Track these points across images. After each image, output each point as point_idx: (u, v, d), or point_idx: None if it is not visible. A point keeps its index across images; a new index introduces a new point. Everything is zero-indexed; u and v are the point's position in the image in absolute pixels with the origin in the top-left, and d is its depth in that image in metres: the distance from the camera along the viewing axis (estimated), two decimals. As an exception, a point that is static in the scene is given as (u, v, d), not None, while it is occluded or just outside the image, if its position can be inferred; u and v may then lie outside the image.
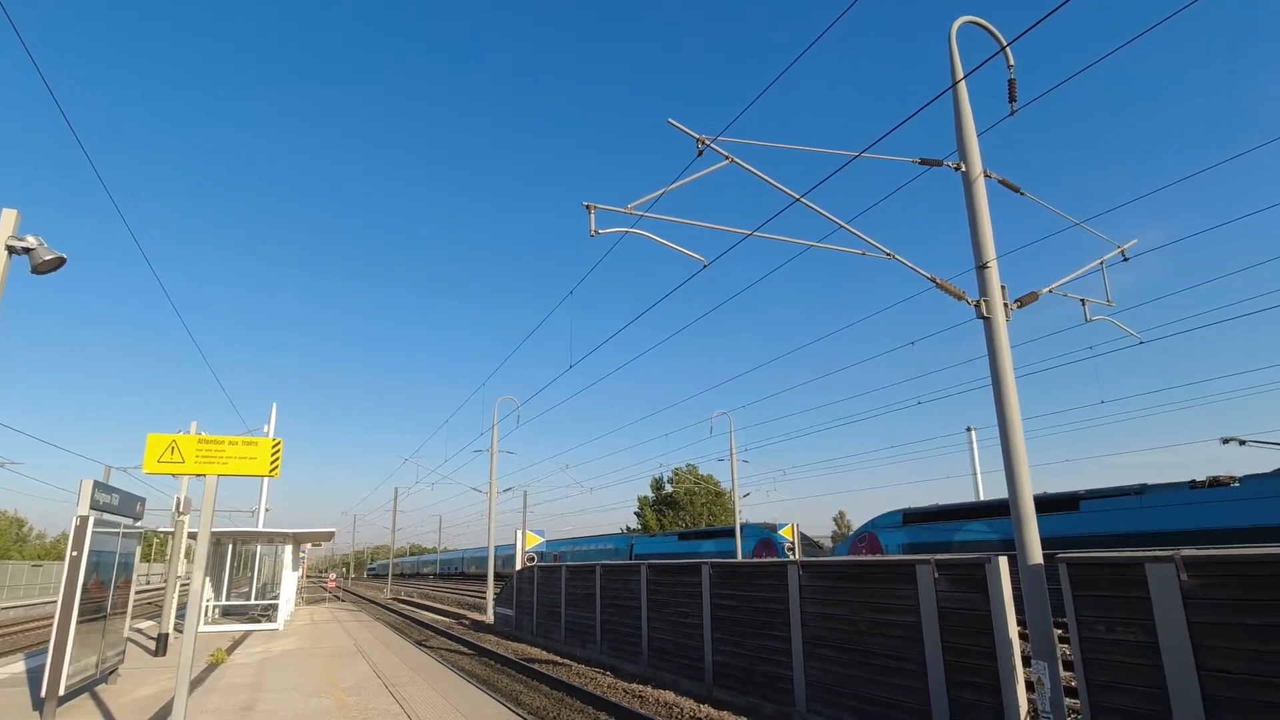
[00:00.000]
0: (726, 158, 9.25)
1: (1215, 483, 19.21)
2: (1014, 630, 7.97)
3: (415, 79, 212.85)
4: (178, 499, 17.26)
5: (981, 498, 37.68)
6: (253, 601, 23.21)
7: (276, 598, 22.71)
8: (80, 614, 9.59)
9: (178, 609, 17.39)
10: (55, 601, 10.51)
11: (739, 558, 34.14)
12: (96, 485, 10.22)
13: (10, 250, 7.36)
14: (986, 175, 8.61)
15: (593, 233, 9.75)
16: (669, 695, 13.11)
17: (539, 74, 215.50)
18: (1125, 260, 10.13)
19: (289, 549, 24.86)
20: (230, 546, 22.32)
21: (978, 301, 8.11)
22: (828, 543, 44.41)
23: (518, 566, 27.57)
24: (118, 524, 11.21)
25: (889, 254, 9.07)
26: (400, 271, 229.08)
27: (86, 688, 10.71)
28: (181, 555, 18.25)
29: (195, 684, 11.98)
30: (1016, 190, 9.58)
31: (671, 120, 9.14)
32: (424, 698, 10.92)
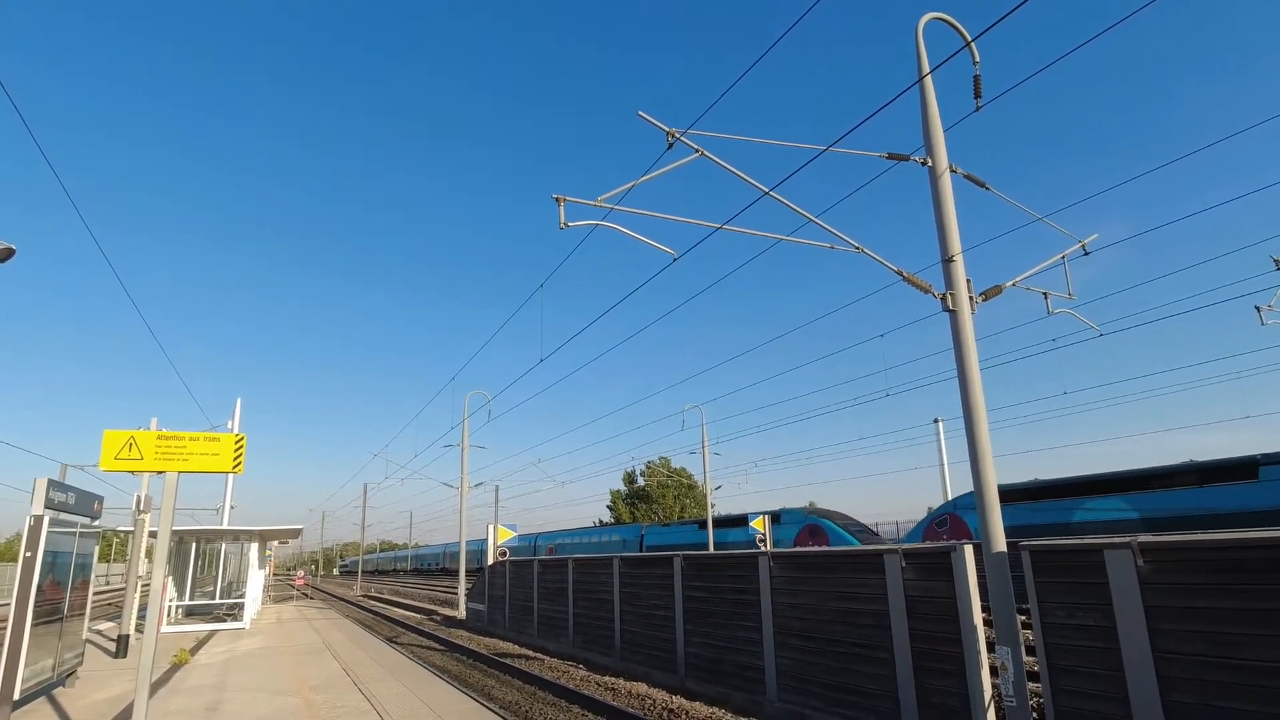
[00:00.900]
0: (697, 151, 9.24)
1: None
2: (979, 617, 8.13)
3: (381, 68, 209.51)
4: (138, 497, 16.85)
5: (949, 489, 38.28)
6: (217, 601, 22.78)
7: (242, 596, 22.31)
8: (35, 616, 9.32)
9: (139, 609, 16.99)
10: (8, 604, 10.19)
11: (772, 546, 33.44)
12: (51, 484, 9.92)
13: (-45, 241, 7.07)
14: (952, 170, 8.72)
15: (562, 225, 9.68)
16: (642, 687, 13.15)
17: (508, 65, 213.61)
18: (1086, 254, 10.33)
19: (255, 547, 24.43)
20: (194, 545, 21.86)
21: (944, 295, 8.22)
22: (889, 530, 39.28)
23: (489, 561, 27.43)
24: (75, 523, 10.90)
25: (857, 247, 9.15)
26: (367, 263, 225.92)
27: (43, 691, 10.42)
28: (142, 554, 17.82)
29: (158, 685, 11.72)
30: (981, 185, 9.72)
31: (642, 113, 9.10)
32: (394, 694, 10.82)
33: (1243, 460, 19.38)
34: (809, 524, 34.74)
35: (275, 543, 36.96)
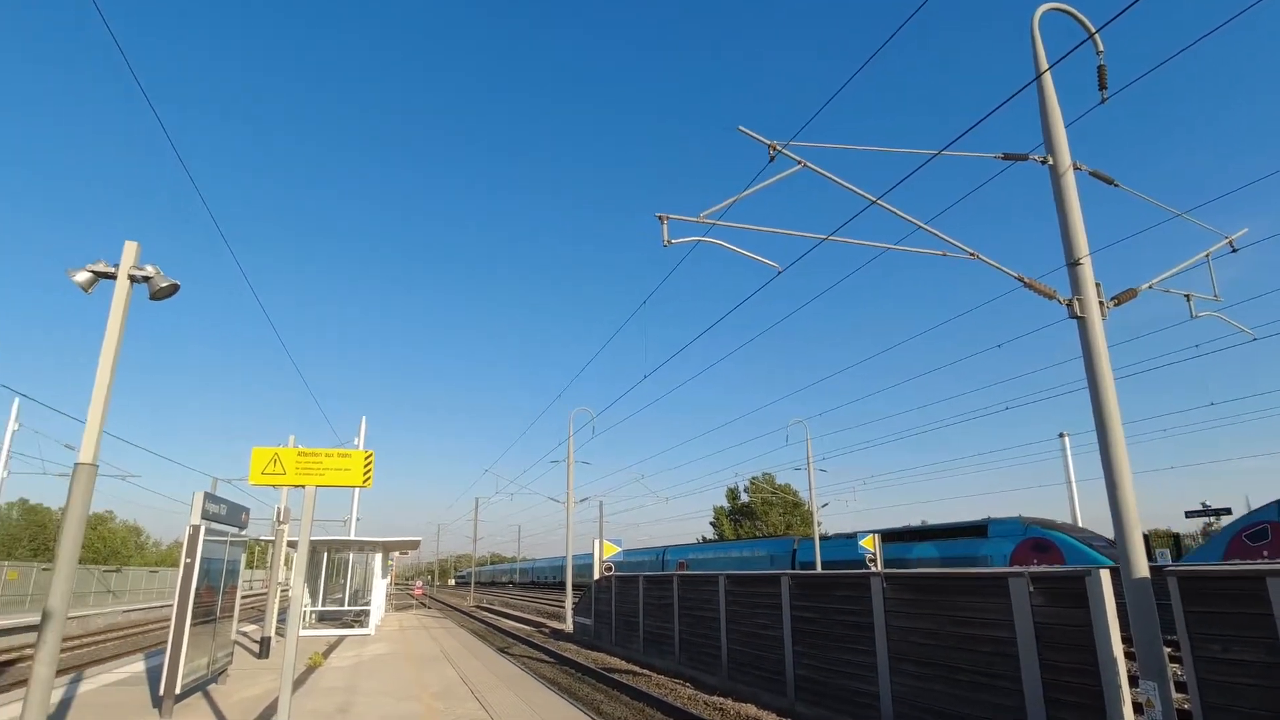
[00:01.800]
0: (799, 163, 9.16)
1: None
2: (1119, 648, 7.51)
3: (485, 94, 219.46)
4: (277, 509, 18.25)
5: (1078, 508, 35.56)
6: (346, 608, 24.23)
7: (368, 604, 23.65)
8: (193, 617, 10.26)
9: (279, 614, 18.33)
10: (170, 605, 11.27)
11: (929, 564, 31.73)
12: (207, 496, 10.93)
13: (132, 279, 7.99)
14: (1076, 168, 8.23)
15: (666, 243, 9.81)
16: (751, 708, 12.94)
17: (609, 85, 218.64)
18: (1234, 251, 9.45)
19: (379, 557, 25.87)
20: (325, 555, 23.40)
21: (1070, 300, 7.74)
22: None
23: (595, 576, 27.81)
24: (225, 533, 11.95)
25: (972, 254, 8.78)
26: (478, 286, 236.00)
27: (199, 687, 11.43)
28: (281, 562, 19.25)
29: (296, 685, 12.59)
30: (1110, 182, 9.09)
31: (742, 128, 9.13)
32: (507, 704, 11.15)
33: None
34: (1031, 538, 28.93)
35: (396, 553, 38.97)
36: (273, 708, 10.24)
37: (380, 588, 27.23)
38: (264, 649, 16.66)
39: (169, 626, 10.30)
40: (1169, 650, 8.03)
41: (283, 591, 19.16)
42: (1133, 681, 7.38)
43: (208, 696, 11.45)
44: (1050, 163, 8.19)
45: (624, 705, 13.86)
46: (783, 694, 13.19)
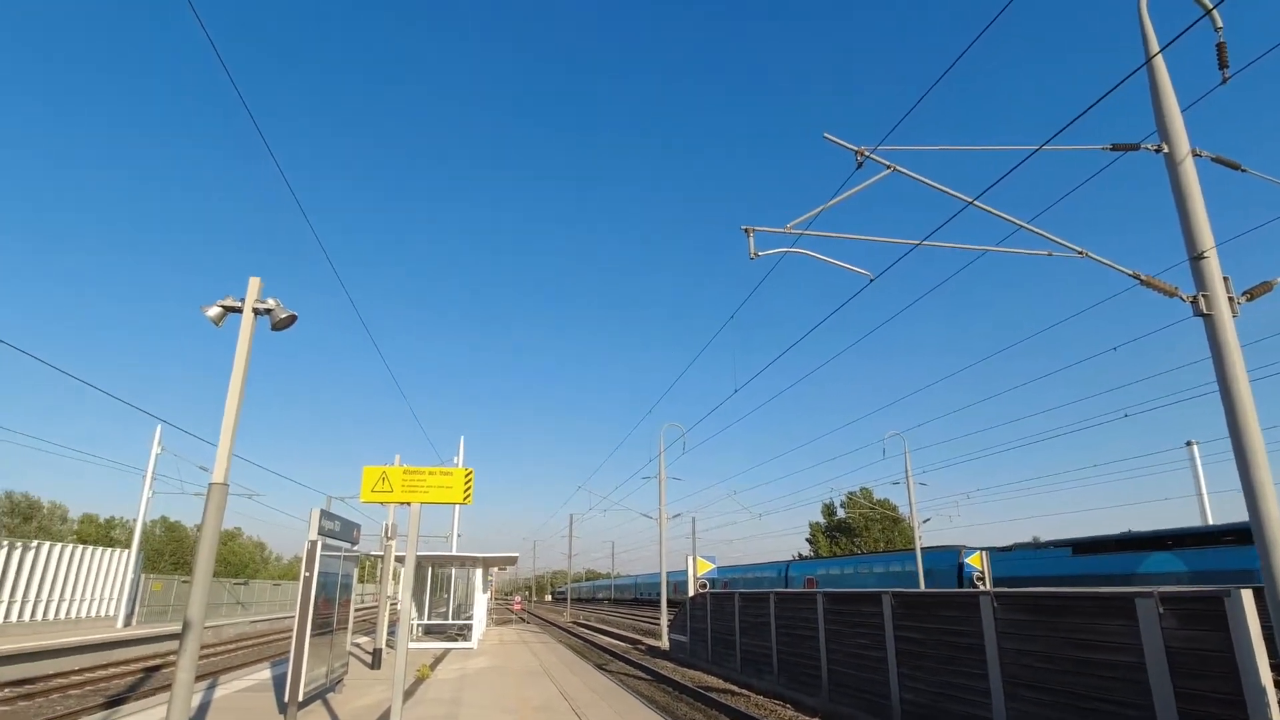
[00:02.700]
0: (888, 167, 8.96)
1: None
2: (1267, 675, 6.83)
3: (574, 124, 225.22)
4: (385, 525, 19.16)
5: (1210, 521, 32.57)
6: (450, 621, 25.08)
7: (470, 619, 24.40)
8: (312, 629, 10.90)
9: (389, 626, 19.18)
10: (292, 616, 12.01)
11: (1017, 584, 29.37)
12: (323, 514, 11.62)
13: (255, 312, 8.66)
14: (1195, 154, 7.66)
15: (752, 255, 9.78)
16: (854, 732, 12.49)
17: (692, 103, 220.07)
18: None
19: (479, 572, 26.68)
20: (429, 570, 24.35)
21: (1194, 297, 7.18)
22: None
23: (690, 592, 27.65)
24: (340, 548, 12.66)
25: (1081, 252, 8.31)
26: (570, 303, 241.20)
27: (319, 695, 12.10)
28: (390, 577, 20.16)
29: (405, 696, 13.13)
30: (1235, 167, 8.40)
31: (828, 135, 9.02)
32: (607, 720, 11.23)
33: None
34: None
35: (495, 569, 40.04)
36: (386, 716, 10.72)
37: (481, 602, 28.05)
38: (376, 660, 17.46)
39: (291, 637, 10.97)
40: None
41: (392, 605, 20.04)
42: (1287, 715, 6.68)
43: (326, 705, 12.10)
44: (1165, 151, 7.66)
45: (723, 725, 13.67)
46: (887, 718, 12.67)
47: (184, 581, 36.21)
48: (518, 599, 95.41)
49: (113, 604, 30.06)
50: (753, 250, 9.75)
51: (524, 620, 56.59)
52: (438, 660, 19.22)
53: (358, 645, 22.98)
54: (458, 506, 30.40)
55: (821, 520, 75.80)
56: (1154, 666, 7.90)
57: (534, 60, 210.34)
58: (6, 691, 16.57)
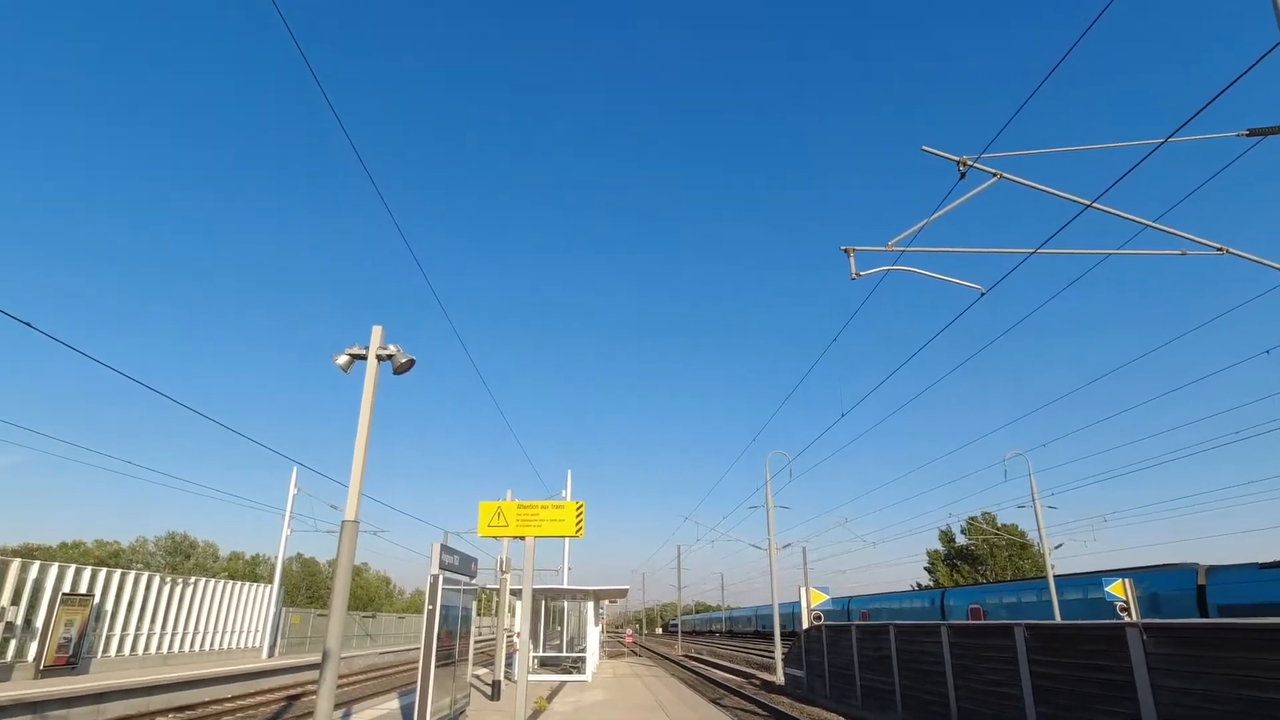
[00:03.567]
0: (994, 175, 8.71)
1: None
2: None
3: (663, 140, 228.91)
4: (499, 559, 19.80)
5: None
6: (564, 654, 25.44)
7: (584, 651, 24.66)
8: (436, 660, 11.40)
9: (506, 658, 19.69)
10: (416, 649, 12.59)
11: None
12: (443, 548, 12.20)
13: (379, 358, 9.35)
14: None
15: (854, 275, 9.67)
16: (991, 775, 11.71)
17: (781, 125, 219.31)
18: None
19: (591, 605, 26.98)
20: (543, 603, 24.86)
21: (1351, 295, 6.52)
22: None
23: (804, 625, 26.85)
24: (459, 581, 13.21)
25: (1220, 249, 7.75)
26: (667, 336, 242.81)
27: (444, 724, 12.57)
28: (506, 609, 20.76)
29: (525, 727, 13.44)
30: (1391, 149, 7.62)
31: (926, 147, 8.86)
32: (725, 755, 11.05)
33: None
34: None
35: (606, 602, 40.33)
36: (507, 747, 11.01)
37: (594, 635, 28.29)
38: (495, 692, 17.94)
39: (417, 668, 11.51)
40: None
41: (508, 637, 20.58)
42: None
43: (452, 733, 12.54)
44: (1304, 138, 7.07)
45: (846, 764, 13.15)
46: (1028, 761, 11.80)
47: (320, 615, 38.57)
48: (629, 632, 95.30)
49: (258, 635, 32.43)
50: (854, 270, 9.63)
51: (635, 653, 56.47)
52: (554, 692, 19.51)
53: (477, 677, 23.67)
54: (568, 539, 30.96)
55: (940, 547, 71.88)
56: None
57: (622, 98, 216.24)
58: (171, 717, 18.17)
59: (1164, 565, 31.40)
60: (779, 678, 29.32)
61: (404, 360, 10.25)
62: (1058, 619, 30.11)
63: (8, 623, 19.81)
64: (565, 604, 26.83)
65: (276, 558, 33.67)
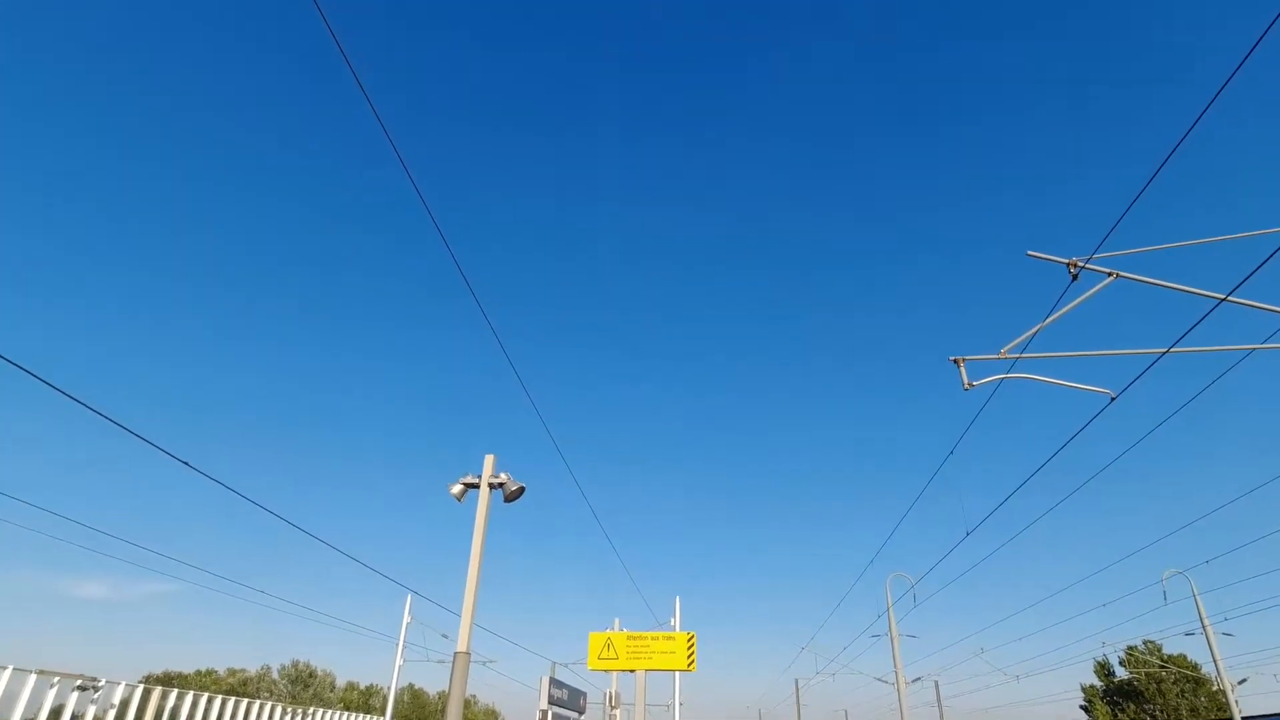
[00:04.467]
0: (1109, 275, 8.55)
1: None
2: None
3: (764, 268, 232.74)
4: (608, 694, 19.22)
5: None
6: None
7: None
8: (548, 802, 11.05)
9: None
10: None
11: None
12: (551, 682, 12.10)
13: (491, 486, 9.83)
14: None
15: (966, 386, 9.51)
16: None
17: (875, 242, 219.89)
18: None
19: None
20: (652, 740, 23.64)
21: None
22: None
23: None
24: (568, 717, 12.95)
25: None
26: (778, 450, 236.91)
27: None
28: (615, 748, 19.90)
29: None
30: None
31: (1032, 252, 8.84)
32: None
33: None
34: None
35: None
36: None
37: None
38: (607, 841, 16.92)
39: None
40: None
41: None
42: None
43: None
44: None
45: None
46: None
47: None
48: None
49: (369, 770, 32.13)
50: (966, 380, 9.48)
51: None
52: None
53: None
54: (678, 672, 29.67)
55: (1097, 682, 63.50)
56: None
57: (712, 214, 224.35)
58: None
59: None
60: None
61: (515, 488, 10.70)
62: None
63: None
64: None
65: (389, 688, 33.86)
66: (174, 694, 22.86)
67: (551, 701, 12.11)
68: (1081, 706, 64.50)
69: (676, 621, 30.38)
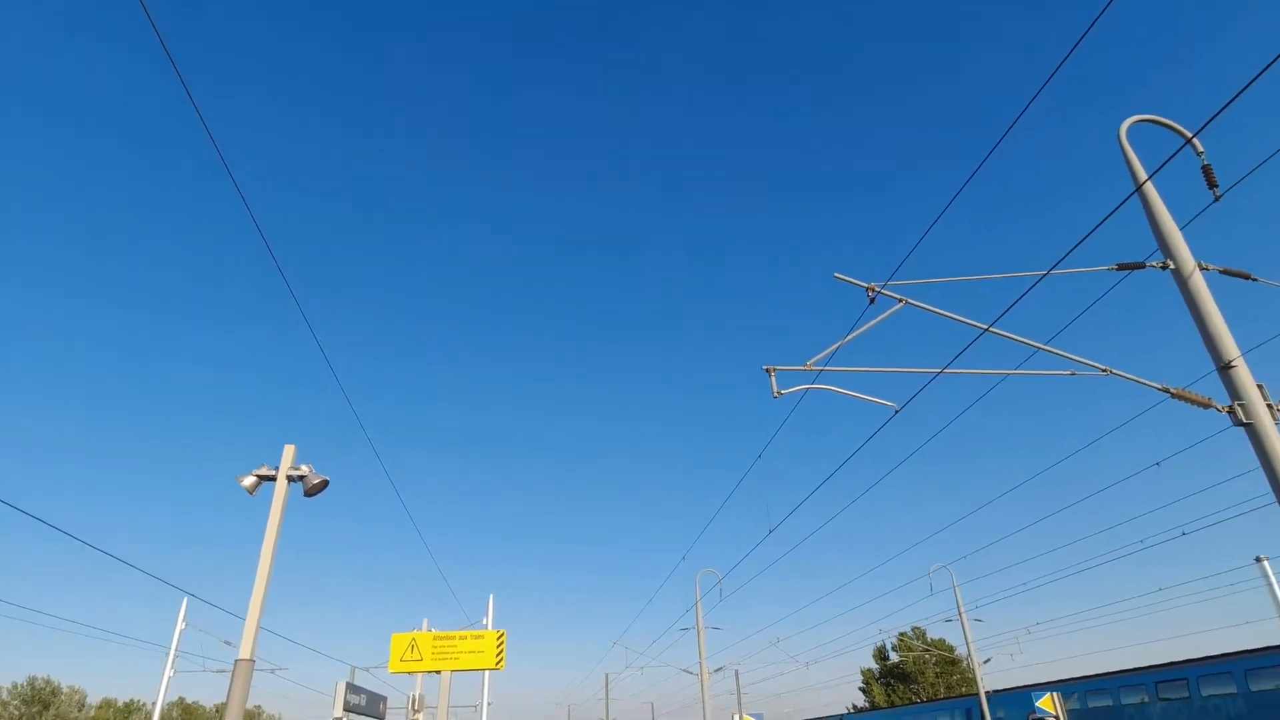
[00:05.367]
0: (900, 300, 9.21)
1: None
2: None
3: (583, 271, 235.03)
4: (411, 696, 18.15)
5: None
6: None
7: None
8: (336, 819, 10.08)
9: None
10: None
11: None
12: (349, 687, 11.08)
13: (289, 479, 8.77)
14: (1203, 268, 7.82)
15: (776, 394, 9.87)
16: None
17: (704, 257, 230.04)
18: None
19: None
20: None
21: (1229, 407, 7.06)
22: None
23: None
24: (365, 724, 11.96)
25: (1105, 370, 8.30)
26: (591, 455, 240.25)
27: None
28: (417, 755, 18.85)
29: None
30: (1246, 277, 8.55)
31: (838, 274, 9.39)
32: None
33: None
34: None
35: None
36: None
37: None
38: None
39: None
40: None
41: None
42: None
43: None
44: (1171, 267, 7.84)
45: None
46: None
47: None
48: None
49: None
50: (776, 389, 9.84)
51: (560, 798, 51.90)
52: None
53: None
54: (488, 672, 28.80)
55: (874, 665, 70.62)
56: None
57: (537, 230, 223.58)
58: None
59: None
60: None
61: (317, 480, 9.66)
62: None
63: None
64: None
65: (155, 703, 29.85)
66: None
67: (348, 708, 11.10)
68: (860, 688, 71.35)
69: (489, 620, 29.53)
